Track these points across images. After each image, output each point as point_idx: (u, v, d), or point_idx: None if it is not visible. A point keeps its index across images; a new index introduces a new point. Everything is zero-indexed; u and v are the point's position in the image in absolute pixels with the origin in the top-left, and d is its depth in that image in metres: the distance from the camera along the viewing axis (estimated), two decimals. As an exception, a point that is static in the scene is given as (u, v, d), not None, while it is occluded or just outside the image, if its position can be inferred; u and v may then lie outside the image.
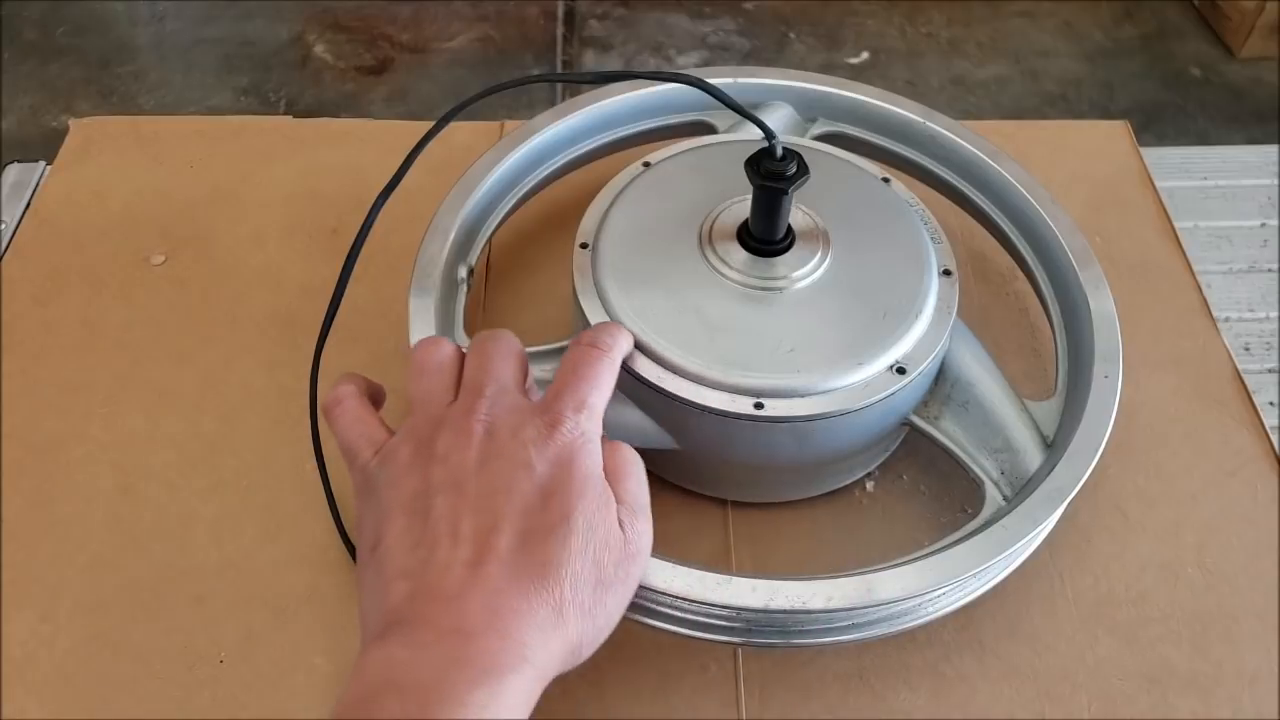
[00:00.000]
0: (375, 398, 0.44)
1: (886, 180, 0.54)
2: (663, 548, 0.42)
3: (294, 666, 0.46)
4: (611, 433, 0.43)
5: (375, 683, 0.33)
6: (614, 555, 0.38)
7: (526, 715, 0.34)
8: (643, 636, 0.44)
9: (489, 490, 0.37)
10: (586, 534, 0.37)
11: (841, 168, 0.54)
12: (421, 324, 0.48)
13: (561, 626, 0.36)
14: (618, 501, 0.39)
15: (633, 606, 0.43)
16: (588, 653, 0.37)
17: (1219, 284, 0.65)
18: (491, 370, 0.41)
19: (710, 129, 0.59)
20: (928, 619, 0.44)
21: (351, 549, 0.48)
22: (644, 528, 0.39)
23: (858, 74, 2.00)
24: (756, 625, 0.43)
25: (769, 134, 0.44)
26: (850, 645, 0.45)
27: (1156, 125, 1.92)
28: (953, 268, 0.50)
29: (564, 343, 0.50)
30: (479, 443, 0.38)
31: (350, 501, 0.50)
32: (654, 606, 0.43)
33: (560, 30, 2.11)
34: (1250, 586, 0.49)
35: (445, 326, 0.50)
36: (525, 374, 0.42)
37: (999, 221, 0.57)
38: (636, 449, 0.48)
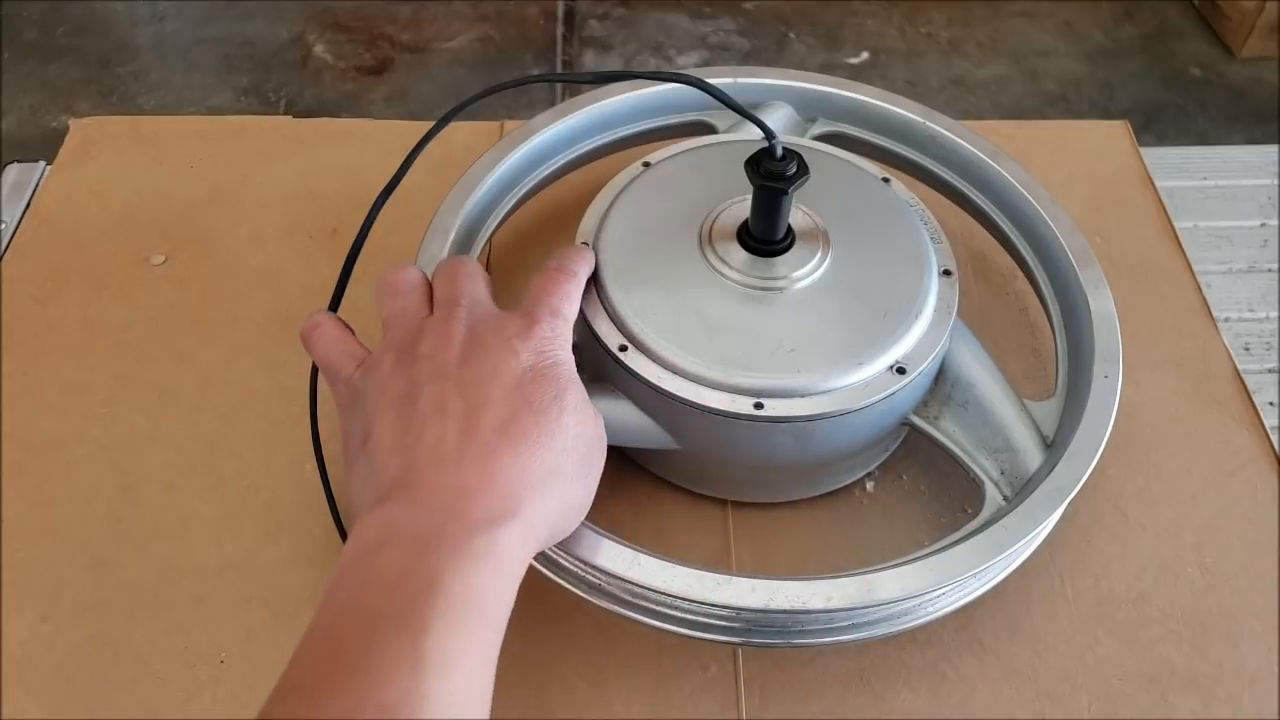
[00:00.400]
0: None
1: (886, 180, 0.54)
2: (663, 548, 0.42)
3: (294, 666, 0.46)
4: (612, 432, 0.43)
5: (373, 540, 0.35)
6: (592, 440, 0.40)
7: (522, 569, 0.36)
8: (643, 636, 0.44)
9: (475, 377, 0.38)
10: (574, 414, 0.39)
11: (841, 168, 0.54)
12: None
13: (553, 487, 0.38)
14: None
15: (633, 606, 0.43)
16: (574, 521, 0.40)
17: (1219, 284, 0.65)
18: (462, 287, 0.42)
19: (710, 129, 0.59)
20: (928, 619, 0.44)
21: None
22: (603, 425, 0.42)
23: (858, 74, 2.00)
24: (756, 625, 0.43)
25: (769, 134, 0.44)
26: (850, 645, 0.45)
27: (1156, 125, 1.92)
28: (953, 268, 0.50)
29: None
30: (461, 341, 0.40)
31: (350, 503, 0.50)
32: (654, 606, 0.43)
33: (560, 30, 2.11)
34: (1250, 586, 0.49)
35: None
36: (492, 293, 0.44)
37: (999, 221, 0.57)
38: (636, 449, 0.48)
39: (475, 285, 0.43)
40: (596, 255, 0.48)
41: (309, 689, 0.32)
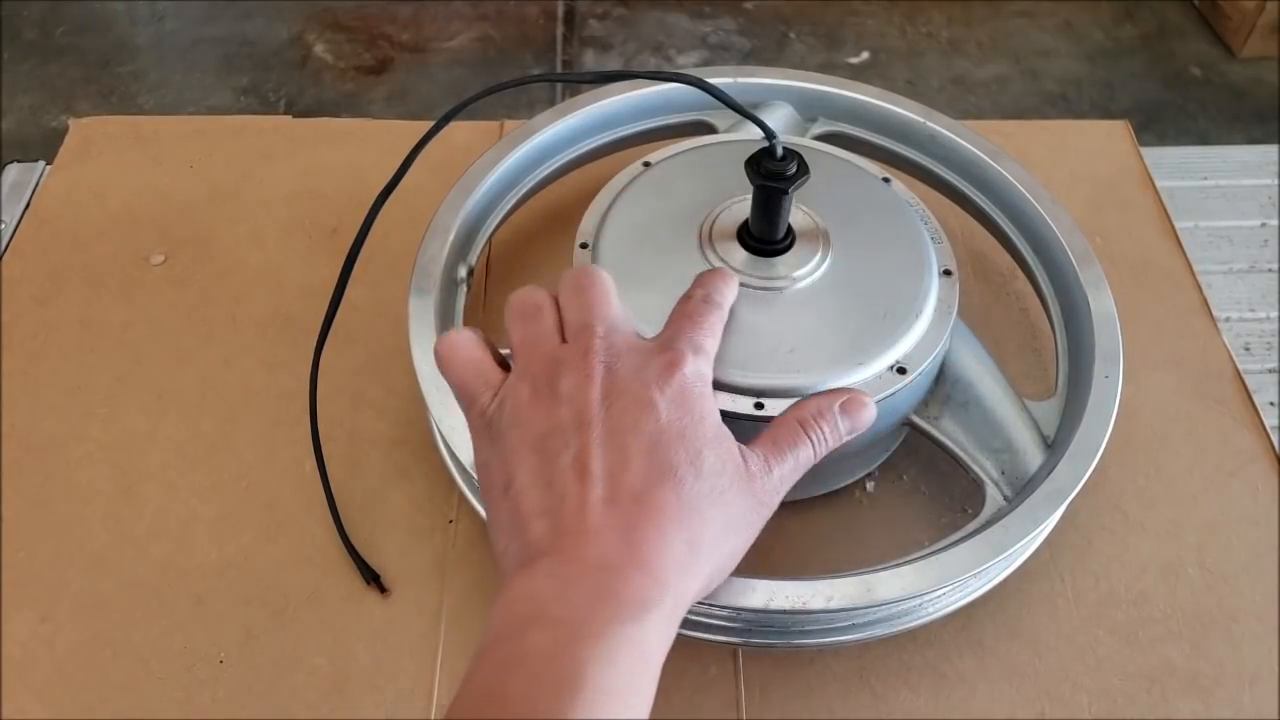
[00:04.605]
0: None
1: (887, 180, 0.54)
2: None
3: (294, 666, 0.46)
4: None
5: (523, 615, 0.34)
6: (741, 498, 0.38)
7: (663, 654, 0.35)
8: (643, 637, 0.44)
9: (616, 430, 0.37)
10: (713, 476, 0.37)
11: (841, 168, 0.54)
12: (421, 324, 0.48)
13: (696, 562, 0.36)
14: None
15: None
16: (714, 587, 0.39)
17: (1219, 284, 0.65)
18: (595, 309, 0.41)
19: (710, 129, 0.59)
20: (928, 619, 0.44)
21: (351, 550, 0.49)
22: (777, 470, 0.40)
23: (858, 74, 2.00)
24: (756, 625, 0.43)
25: (769, 134, 0.44)
26: (850, 646, 0.45)
27: (1157, 125, 1.92)
28: (953, 268, 0.50)
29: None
30: (601, 382, 0.38)
31: (349, 504, 0.50)
32: (654, 607, 0.43)
33: (560, 30, 2.11)
34: (1250, 586, 0.49)
35: (445, 326, 0.49)
36: (623, 310, 0.42)
37: (999, 221, 0.57)
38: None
39: (607, 305, 0.41)
40: (596, 255, 0.48)
41: None
